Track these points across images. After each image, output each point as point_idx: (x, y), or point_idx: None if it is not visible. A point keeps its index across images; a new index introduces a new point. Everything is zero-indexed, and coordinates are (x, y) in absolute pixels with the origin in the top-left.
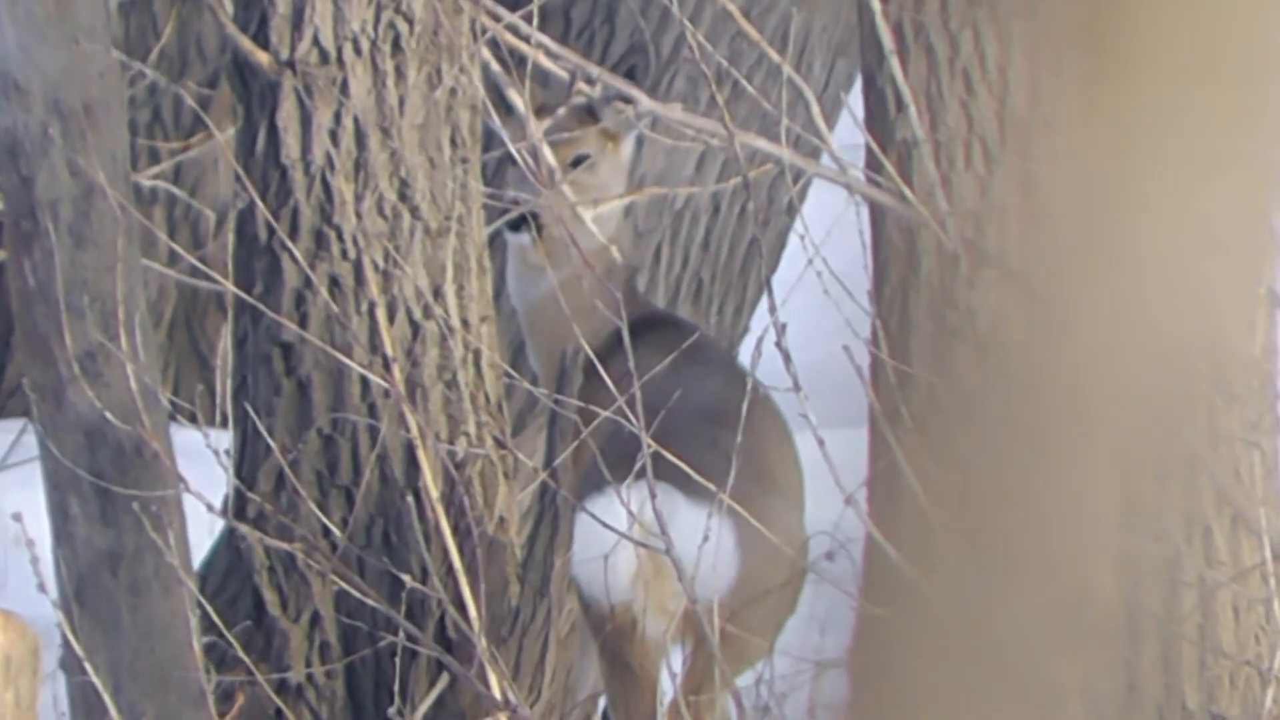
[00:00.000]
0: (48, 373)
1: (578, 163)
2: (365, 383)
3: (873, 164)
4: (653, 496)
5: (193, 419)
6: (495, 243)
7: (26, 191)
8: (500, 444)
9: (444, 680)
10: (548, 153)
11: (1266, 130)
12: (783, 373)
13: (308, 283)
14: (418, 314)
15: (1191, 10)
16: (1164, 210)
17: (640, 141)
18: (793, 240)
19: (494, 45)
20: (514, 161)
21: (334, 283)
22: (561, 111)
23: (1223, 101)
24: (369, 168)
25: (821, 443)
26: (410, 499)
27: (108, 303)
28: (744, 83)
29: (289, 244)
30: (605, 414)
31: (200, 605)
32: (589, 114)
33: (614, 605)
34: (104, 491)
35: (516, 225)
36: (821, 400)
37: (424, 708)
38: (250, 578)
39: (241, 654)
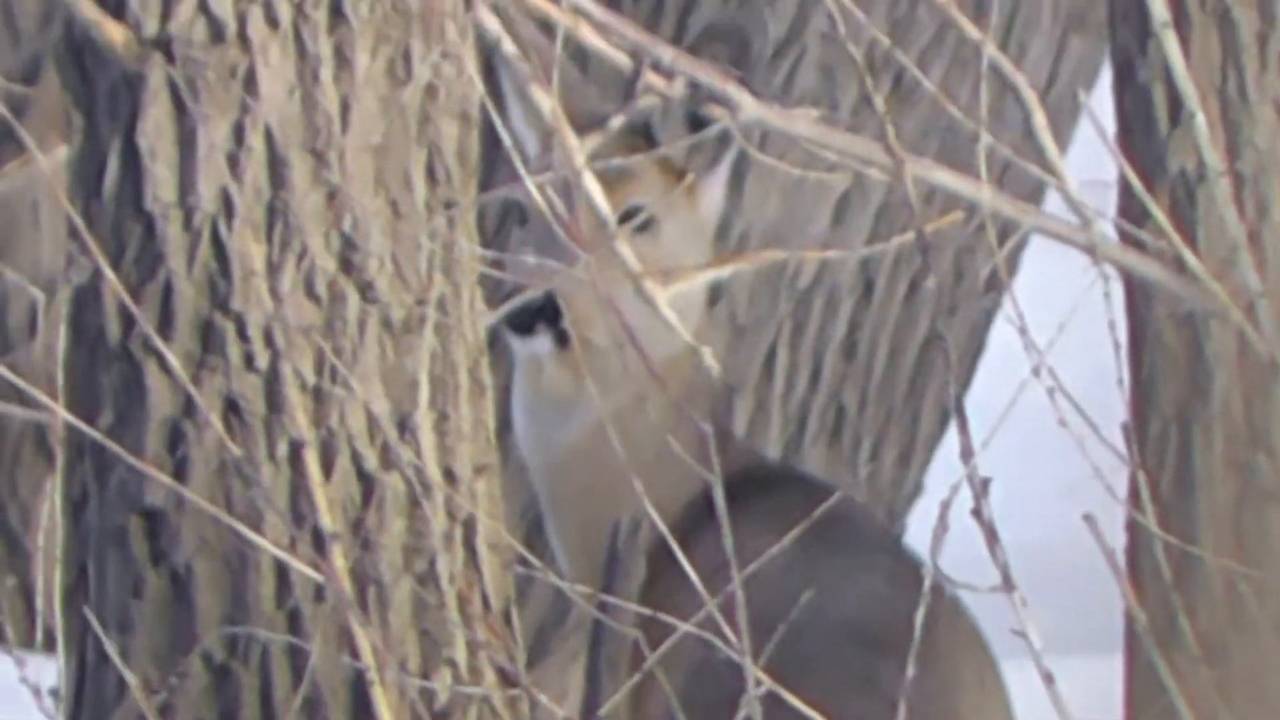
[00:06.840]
0: None
1: (626, 218)
2: (284, 575)
3: (1129, 210)
4: None
5: None
6: (498, 346)
7: None
8: (509, 679)
9: None
10: (595, 192)
11: None
12: (983, 562)
13: (189, 408)
14: (371, 462)
15: None
16: None
17: (740, 175)
18: (999, 338)
19: (499, 14)
20: (524, 213)
21: (231, 408)
22: (613, 124)
23: None
24: (290, 217)
25: (1050, 679)
26: None
27: None
28: (914, 71)
29: (158, 344)
30: (686, 627)
31: None
32: (643, 138)
33: None
34: None
35: (526, 323)
36: (1050, 609)
37: None
38: None
39: None
